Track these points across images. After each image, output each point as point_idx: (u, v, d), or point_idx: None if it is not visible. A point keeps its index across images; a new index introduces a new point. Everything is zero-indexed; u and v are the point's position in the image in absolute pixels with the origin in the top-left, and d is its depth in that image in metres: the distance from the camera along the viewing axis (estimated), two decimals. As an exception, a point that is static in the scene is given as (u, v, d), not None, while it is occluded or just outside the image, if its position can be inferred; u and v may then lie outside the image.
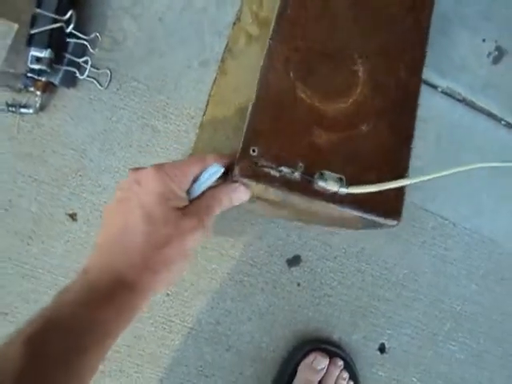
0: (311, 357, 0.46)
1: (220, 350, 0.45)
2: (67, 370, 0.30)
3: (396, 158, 0.40)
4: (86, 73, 0.42)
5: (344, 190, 0.37)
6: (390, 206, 0.38)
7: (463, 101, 0.51)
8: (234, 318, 0.45)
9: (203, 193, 0.36)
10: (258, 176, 0.35)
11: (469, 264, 0.49)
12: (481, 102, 0.51)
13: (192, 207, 0.35)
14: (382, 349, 0.49)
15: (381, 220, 0.39)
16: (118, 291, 0.32)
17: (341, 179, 0.37)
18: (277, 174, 0.36)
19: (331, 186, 0.36)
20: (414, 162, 0.37)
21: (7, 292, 0.42)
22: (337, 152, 0.38)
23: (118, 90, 0.44)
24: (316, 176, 0.37)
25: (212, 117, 0.45)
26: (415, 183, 0.37)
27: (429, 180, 0.36)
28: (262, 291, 0.45)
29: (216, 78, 0.45)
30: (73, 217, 0.43)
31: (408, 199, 0.36)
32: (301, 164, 0.37)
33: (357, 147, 0.39)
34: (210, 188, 0.36)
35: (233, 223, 0.46)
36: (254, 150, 0.36)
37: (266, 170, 0.36)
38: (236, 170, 0.35)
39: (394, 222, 0.39)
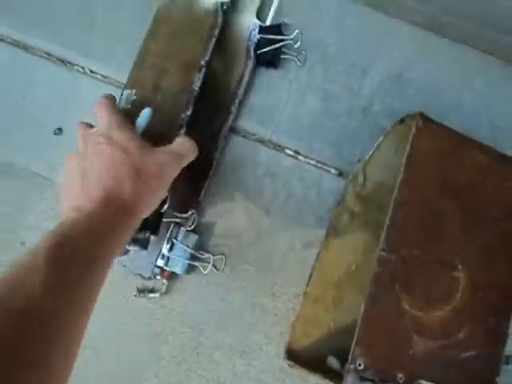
0: None
1: None
2: (86, 275, 0.34)
3: (490, 364, 0.43)
4: (208, 269, 0.50)
5: (443, 403, 0.41)
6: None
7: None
8: None
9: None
10: (364, 390, 0.40)
11: None
12: None
13: (162, 148, 0.41)
14: None
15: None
16: (116, 212, 0.37)
17: (438, 389, 0.41)
18: (380, 388, 0.41)
19: (431, 400, 0.41)
20: None
21: None
22: (434, 360, 0.42)
23: (231, 272, 0.52)
24: (415, 387, 0.41)
25: (314, 289, 0.51)
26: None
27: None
28: None
29: (319, 253, 0.51)
30: None
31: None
32: (401, 375, 0.41)
33: (453, 355, 0.43)
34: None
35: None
36: (360, 364, 0.41)
37: (371, 383, 0.41)
38: (346, 381, 0.40)
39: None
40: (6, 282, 0.30)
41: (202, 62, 0.49)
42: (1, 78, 0.56)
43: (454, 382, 0.42)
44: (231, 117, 0.53)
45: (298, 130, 0.53)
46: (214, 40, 0.49)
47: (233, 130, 0.54)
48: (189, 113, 0.48)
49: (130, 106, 0.48)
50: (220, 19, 0.49)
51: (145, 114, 0.44)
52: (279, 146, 0.54)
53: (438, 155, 0.45)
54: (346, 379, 0.40)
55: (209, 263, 0.51)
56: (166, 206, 0.45)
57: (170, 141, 0.43)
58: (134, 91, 0.49)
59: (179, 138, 0.44)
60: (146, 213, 0.40)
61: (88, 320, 0.35)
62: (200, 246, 0.51)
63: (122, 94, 0.49)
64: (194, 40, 0.50)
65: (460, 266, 0.44)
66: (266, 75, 0.54)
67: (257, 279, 0.52)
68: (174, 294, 0.51)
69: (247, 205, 0.52)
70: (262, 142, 0.54)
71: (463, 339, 0.43)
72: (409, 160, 0.44)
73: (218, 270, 0.51)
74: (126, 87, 0.50)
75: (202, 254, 0.51)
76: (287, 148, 0.54)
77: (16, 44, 0.57)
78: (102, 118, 0.41)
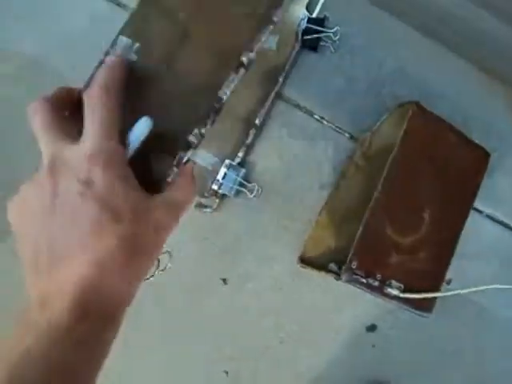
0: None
1: None
2: None
3: (436, 276, 0.66)
4: (253, 194, 0.70)
5: (401, 295, 0.63)
6: (426, 305, 0.65)
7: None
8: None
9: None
10: (354, 281, 0.62)
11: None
12: None
13: (161, 197, 0.31)
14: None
15: (422, 313, 0.65)
16: (95, 322, 0.27)
17: (400, 287, 0.64)
18: (364, 281, 0.63)
19: (394, 292, 0.63)
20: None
21: None
22: (402, 269, 0.64)
23: (265, 199, 0.72)
24: (387, 283, 0.64)
25: (323, 218, 0.72)
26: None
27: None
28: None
29: (330, 192, 0.72)
30: (225, 281, 0.72)
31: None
32: (379, 275, 0.63)
33: (414, 266, 0.65)
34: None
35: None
36: (354, 264, 0.62)
37: (359, 277, 0.63)
38: (343, 276, 0.62)
39: (427, 314, 0.66)
40: None
41: (244, 59, 0.33)
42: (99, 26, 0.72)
43: (412, 284, 0.65)
44: (278, 85, 0.71)
45: (325, 100, 0.72)
46: (270, 28, 0.35)
47: (279, 95, 0.72)
48: (203, 130, 0.32)
49: (136, 57, 0.33)
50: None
51: (141, 128, 0.31)
52: (310, 111, 0.73)
53: (425, 132, 0.65)
54: (344, 273, 0.62)
55: (251, 191, 0.71)
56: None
57: (167, 166, 0.32)
58: (137, 46, 0.33)
59: (182, 176, 0.32)
60: (130, 303, 0.29)
61: None
62: (245, 177, 0.71)
63: (115, 39, 0.34)
64: (241, 12, 0.34)
65: (426, 209, 0.65)
66: (308, 56, 0.72)
67: (283, 207, 0.72)
68: (222, 211, 0.71)
69: (281, 153, 0.72)
70: (298, 107, 0.73)
71: (422, 258, 0.65)
72: (404, 134, 0.64)
73: (256, 196, 0.71)
74: (122, 31, 0.34)
75: (247, 183, 0.70)
76: (315, 114, 0.73)
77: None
78: (87, 129, 0.29)
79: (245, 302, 0.72)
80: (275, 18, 0.33)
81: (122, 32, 0.34)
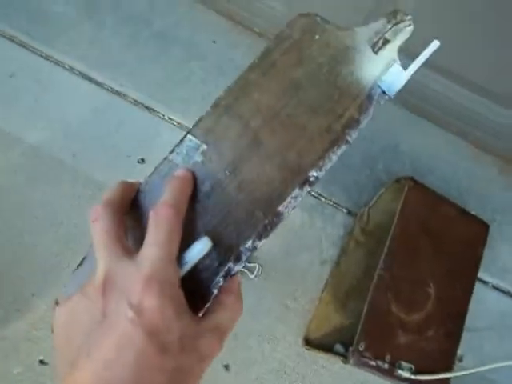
0: None
1: None
2: None
3: (447, 355, 0.63)
4: (254, 275, 0.69)
5: (413, 377, 0.61)
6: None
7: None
8: None
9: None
10: (363, 364, 0.60)
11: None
12: None
13: (208, 321, 0.29)
14: None
15: (435, 396, 0.62)
16: None
17: (411, 368, 0.61)
18: (374, 364, 0.60)
19: (405, 374, 0.60)
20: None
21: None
22: (411, 348, 0.62)
23: (265, 279, 0.71)
24: (396, 365, 0.61)
25: (327, 295, 0.70)
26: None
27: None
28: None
29: (332, 269, 0.71)
30: (227, 367, 0.69)
31: None
32: (388, 356, 0.61)
33: (424, 346, 0.63)
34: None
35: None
36: (361, 346, 0.60)
37: (368, 360, 0.60)
38: (351, 359, 0.60)
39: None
40: None
41: (312, 176, 0.31)
42: (99, 116, 0.75)
43: (422, 364, 0.62)
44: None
45: (321, 180, 0.74)
46: (343, 148, 0.31)
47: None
48: (257, 244, 0.30)
49: (200, 159, 0.33)
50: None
51: (200, 249, 0.30)
52: (307, 188, 0.74)
53: (422, 207, 0.66)
54: (352, 356, 0.59)
55: (252, 271, 0.70)
56: None
57: (208, 288, 0.30)
58: (204, 147, 0.33)
59: (230, 294, 0.31)
60: None
61: None
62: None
63: (184, 138, 0.34)
64: (317, 128, 0.32)
65: (431, 284, 0.64)
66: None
67: (283, 286, 0.71)
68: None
69: (280, 231, 0.72)
70: (294, 184, 0.74)
71: (431, 336, 0.63)
72: (401, 209, 0.64)
73: (256, 276, 0.70)
74: (191, 131, 0.34)
75: (247, 264, 0.70)
76: (312, 190, 0.74)
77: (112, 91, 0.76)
78: (148, 243, 0.28)
79: (248, 390, 0.69)
80: (350, 139, 0.31)
81: (191, 131, 0.33)
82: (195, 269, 0.30)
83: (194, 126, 0.34)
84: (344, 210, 0.74)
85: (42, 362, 0.67)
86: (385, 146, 0.76)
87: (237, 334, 0.69)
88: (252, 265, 0.70)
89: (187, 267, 0.29)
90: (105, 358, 0.25)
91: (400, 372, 0.60)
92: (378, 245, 0.66)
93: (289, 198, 0.31)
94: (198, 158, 0.33)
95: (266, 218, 0.31)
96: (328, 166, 0.31)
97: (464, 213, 0.68)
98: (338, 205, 0.74)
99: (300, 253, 0.72)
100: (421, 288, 0.64)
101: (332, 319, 0.69)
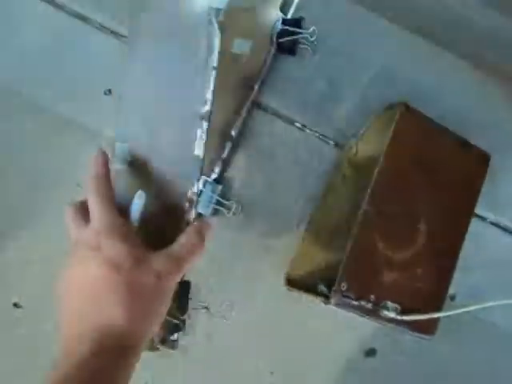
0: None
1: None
2: None
3: (437, 294, 0.60)
4: (231, 213, 0.65)
5: (399, 317, 0.57)
6: (427, 326, 0.59)
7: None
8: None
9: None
10: (345, 305, 0.56)
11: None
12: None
13: (160, 252, 0.38)
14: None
15: (423, 336, 0.59)
16: (112, 353, 0.34)
17: (397, 308, 0.58)
18: (356, 304, 0.56)
19: (390, 314, 0.57)
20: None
21: None
22: (398, 287, 0.58)
23: (245, 217, 0.66)
24: (381, 305, 0.57)
25: (311, 233, 0.66)
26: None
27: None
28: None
29: (317, 205, 0.66)
30: (208, 309, 0.66)
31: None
32: (372, 296, 0.57)
33: (411, 285, 0.59)
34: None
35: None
36: (343, 286, 0.56)
37: (350, 300, 0.56)
38: (332, 300, 0.56)
39: (429, 337, 0.59)
40: None
41: (204, 112, 0.40)
42: (62, 43, 0.67)
43: (410, 304, 0.58)
44: (254, 93, 0.66)
45: (306, 106, 0.67)
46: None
47: (255, 104, 0.67)
48: (196, 189, 0.39)
49: (125, 165, 0.42)
50: (216, 39, 0.37)
51: (138, 202, 0.39)
52: (291, 119, 0.67)
53: (415, 136, 0.59)
54: (334, 296, 0.56)
55: (229, 209, 0.65)
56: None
57: (177, 227, 0.39)
58: (127, 145, 0.42)
59: (186, 231, 0.40)
60: (147, 337, 0.37)
61: None
62: (223, 195, 0.65)
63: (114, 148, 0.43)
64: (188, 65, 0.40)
65: (422, 220, 0.59)
66: (285, 60, 0.67)
67: (265, 224, 0.67)
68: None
69: (261, 166, 0.66)
70: (277, 115, 0.67)
71: (420, 274, 0.59)
72: (392, 138, 0.58)
73: (235, 215, 0.66)
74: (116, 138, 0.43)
75: (224, 201, 0.65)
76: (297, 121, 0.68)
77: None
78: (91, 213, 0.39)
79: (228, 334, 0.66)
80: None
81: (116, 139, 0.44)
82: (160, 226, 0.40)
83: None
84: (331, 143, 0.68)
85: (15, 305, 0.65)
86: (378, 71, 0.68)
87: (213, 278, 0.66)
88: (229, 202, 0.65)
89: (135, 216, 0.38)
90: (79, 283, 0.36)
91: (385, 312, 0.57)
92: (366, 179, 0.60)
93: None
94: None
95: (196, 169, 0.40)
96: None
97: (463, 143, 0.61)
98: (325, 137, 0.68)
99: (283, 190, 0.67)
100: (411, 224, 0.59)
101: (315, 258, 0.65)
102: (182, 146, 0.39)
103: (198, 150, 0.39)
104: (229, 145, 0.65)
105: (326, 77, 0.68)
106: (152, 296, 0.36)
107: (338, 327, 0.68)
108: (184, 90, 0.39)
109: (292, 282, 0.65)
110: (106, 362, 0.34)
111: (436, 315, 0.58)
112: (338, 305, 0.56)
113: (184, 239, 0.39)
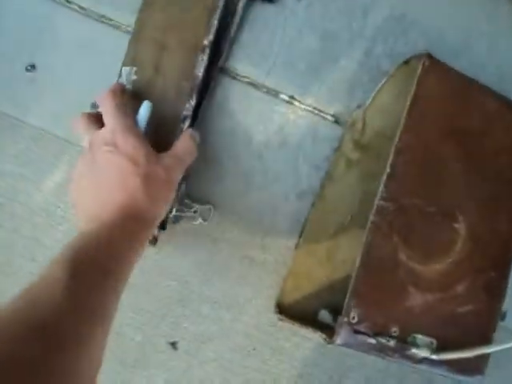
0: None
1: None
2: (102, 288, 0.36)
3: (486, 319, 0.42)
4: (198, 220, 0.48)
5: (435, 356, 0.40)
6: (474, 365, 0.42)
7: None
8: None
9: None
10: (358, 344, 0.39)
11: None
12: None
13: (165, 153, 0.42)
14: None
15: (469, 378, 0.42)
16: (134, 225, 0.39)
17: (432, 343, 0.41)
18: (373, 342, 0.40)
19: (423, 353, 0.40)
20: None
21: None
22: (430, 314, 0.42)
23: (219, 223, 0.50)
24: (409, 341, 0.40)
25: (307, 241, 0.50)
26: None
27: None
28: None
29: (314, 202, 0.49)
30: (174, 345, 0.49)
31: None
32: (395, 329, 0.40)
33: (450, 309, 0.42)
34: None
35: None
36: (354, 317, 0.40)
37: (364, 337, 0.39)
38: (337, 338, 0.39)
39: (478, 378, 0.42)
40: (28, 294, 0.32)
41: (206, 42, 0.45)
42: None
43: (449, 336, 0.41)
44: (222, 57, 0.49)
45: (293, 72, 0.50)
46: (219, 12, 0.45)
47: (223, 71, 0.50)
48: (193, 103, 0.45)
49: (130, 86, 0.47)
50: None
51: (144, 110, 0.44)
52: (273, 90, 0.51)
53: (444, 98, 0.42)
54: (339, 332, 0.39)
55: (196, 213, 0.48)
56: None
57: (173, 136, 0.45)
58: (135, 69, 0.48)
59: (181, 137, 0.45)
60: (159, 219, 0.42)
61: (107, 331, 0.36)
62: (187, 195, 0.49)
63: (120, 70, 0.48)
64: (195, 11, 0.46)
65: (461, 217, 0.42)
66: (261, 10, 0.50)
67: (246, 230, 0.50)
68: (158, 245, 0.49)
69: (237, 153, 0.50)
70: (254, 85, 0.50)
71: (461, 293, 0.42)
72: (413, 103, 0.41)
73: (205, 220, 0.49)
74: (124, 63, 0.48)
75: (189, 203, 0.48)
76: (281, 92, 0.51)
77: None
78: (106, 119, 0.42)
79: (203, 373, 0.50)
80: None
81: (123, 64, 0.48)
82: (160, 136, 0.44)
83: (124, 59, 0.48)
84: (329, 118, 0.51)
85: None
86: (386, 17, 0.51)
87: (183, 301, 0.49)
88: (198, 206, 0.48)
89: (142, 122, 0.43)
90: (97, 176, 0.40)
91: (415, 350, 0.40)
92: (379, 163, 0.43)
93: (196, 66, 0.45)
94: (134, 76, 0.47)
95: (189, 87, 0.45)
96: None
97: (509, 104, 0.44)
98: (321, 111, 0.51)
99: (268, 184, 0.50)
100: (444, 224, 0.42)
101: (314, 274, 0.48)
102: (185, 67, 0.45)
103: (198, 72, 0.44)
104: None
105: (317, 29, 0.50)
106: (163, 185, 0.41)
107: (341, 368, 0.51)
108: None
109: (285, 309, 0.48)
110: (130, 230, 0.38)
111: (486, 350, 0.41)
112: (346, 343, 0.40)
113: (182, 143, 0.44)
